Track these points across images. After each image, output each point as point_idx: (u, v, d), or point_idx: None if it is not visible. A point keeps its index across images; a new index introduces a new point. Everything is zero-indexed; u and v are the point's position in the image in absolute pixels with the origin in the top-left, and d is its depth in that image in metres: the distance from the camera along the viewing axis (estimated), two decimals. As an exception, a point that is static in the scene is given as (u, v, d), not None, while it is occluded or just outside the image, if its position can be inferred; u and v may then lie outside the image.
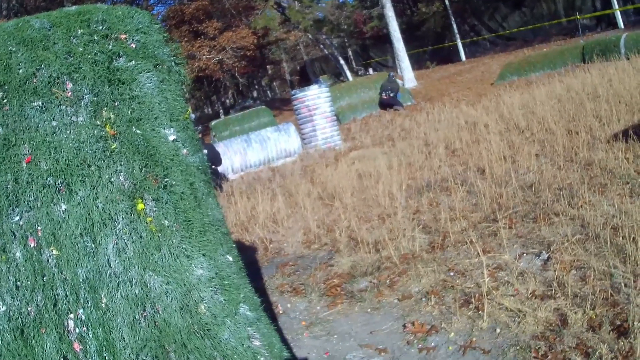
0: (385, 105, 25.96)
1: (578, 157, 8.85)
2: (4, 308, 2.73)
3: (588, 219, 6.35)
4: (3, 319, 2.71)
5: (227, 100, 59.78)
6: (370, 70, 42.68)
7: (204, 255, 2.97)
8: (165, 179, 3.01)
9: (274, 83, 73.02)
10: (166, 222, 2.94)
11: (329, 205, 10.03)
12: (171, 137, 3.14)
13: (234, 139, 19.15)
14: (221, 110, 52.71)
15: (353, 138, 19.46)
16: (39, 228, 2.83)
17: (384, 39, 46.41)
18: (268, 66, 65.75)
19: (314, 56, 63.98)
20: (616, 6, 30.84)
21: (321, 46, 52.09)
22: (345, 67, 47.39)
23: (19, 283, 2.76)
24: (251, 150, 17.79)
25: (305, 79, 56.93)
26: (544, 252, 5.97)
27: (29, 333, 2.71)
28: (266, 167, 17.29)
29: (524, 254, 6.07)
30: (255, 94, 65.46)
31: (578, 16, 32.49)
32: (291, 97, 20.89)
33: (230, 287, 2.97)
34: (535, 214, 7.03)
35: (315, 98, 19.31)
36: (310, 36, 50.80)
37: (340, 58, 48.45)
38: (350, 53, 56.07)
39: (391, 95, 25.86)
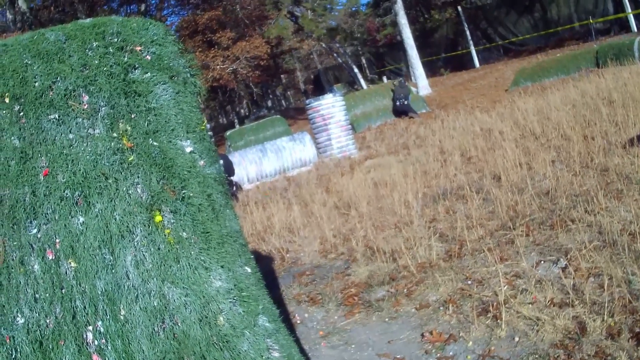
0: (400, 112, 25.95)
1: (594, 163, 8.81)
2: (22, 320, 2.74)
3: (605, 226, 6.32)
4: (22, 331, 2.73)
5: (242, 110, 59.96)
6: (384, 79, 42.64)
7: (222, 267, 2.97)
8: (183, 191, 3.02)
9: (288, 92, 73.18)
10: (184, 234, 2.95)
11: (345, 215, 10.04)
12: (188, 149, 3.15)
13: (249, 148, 19.21)
14: (236, 120, 52.91)
15: (368, 146, 19.46)
16: (57, 240, 2.85)
17: (397, 47, 46.40)
18: (282, 75, 65.90)
19: (328, 65, 64.06)
20: (629, 9, 30.73)
21: (335, 55, 52.10)
22: (359, 76, 47.37)
23: (37, 295, 2.77)
24: (267, 159, 17.82)
25: (319, 87, 57.00)
26: (561, 259, 5.94)
27: (48, 345, 2.73)
28: (282, 176, 17.31)
29: (542, 262, 6.05)
30: (269, 103, 65.59)
31: (591, 20, 32.40)
32: (306, 106, 20.92)
33: (249, 299, 2.97)
34: (552, 221, 7.00)
35: (330, 107, 19.34)
36: (323, 45, 50.84)
37: (354, 66, 48.43)
38: (363, 61, 56.06)
39: (405, 102, 25.86)
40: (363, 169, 14.35)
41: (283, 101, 71.58)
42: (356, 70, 47.82)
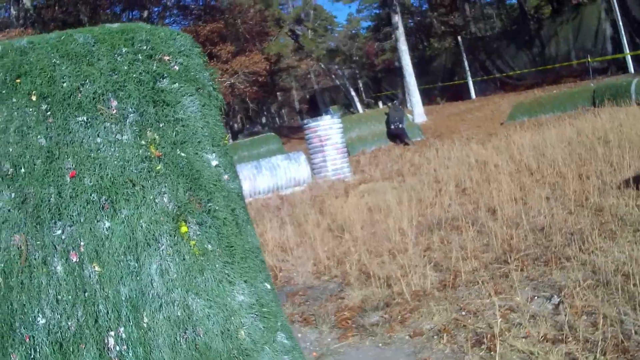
0: (394, 136, 26.03)
1: (589, 203, 8.90)
2: (43, 321, 2.76)
3: (599, 265, 6.38)
4: (42, 331, 2.74)
5: (236, 125, 59.95)
6: (380, 104, 42.76)
7: (245, 281, 3.00)
8: (209, 204, 3.05)
9: (283, 110, 73.20)
10: (209, 246, 2.98)
11: (339, 237, 10.07)
12: (214, 162, 3.19)
13: (244, 164, 19.21)
14: (229, 135, 52.87)
15: (362, 171, 19.52)
16: (82, 243, 2.86)
17: (395, 72, 46.66)
18: (278, 93, 65.90)
19: (325, 86, 64.11)
20: (627, 50, 31.00)
21: (333, 76, 52.28)
22: (355, 99, 47.51)
23: (59, 297, 2.79)
24: (261, 176, 17.84)
25: (314, 108, 57.06)
26: (555, 296, 6.00)
27: (68, 347, 2.74)
28: (275, 194, 17.32)
29: (536, 297, 6.10)
30: (263, 120, 65.63)
31: (589, 59, 32.65)
32: (303, 126, 21.05)
33: (269, 315, 3.00)
34: (547, 258, 7.07)
35: (328, 128, 19.45)
36: (322, 65, 51.03)
37: (351, 89, 48.60)
38: (360, 84, 56.23)
39: (400, 126, 25.93)
40: (357, 192, 14.38)
41: (277, 119, 71.64)
42: (353, 93, 48.02)
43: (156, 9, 43.63)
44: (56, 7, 37.90)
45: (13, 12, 34.97)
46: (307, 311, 7.26)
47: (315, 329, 6.68)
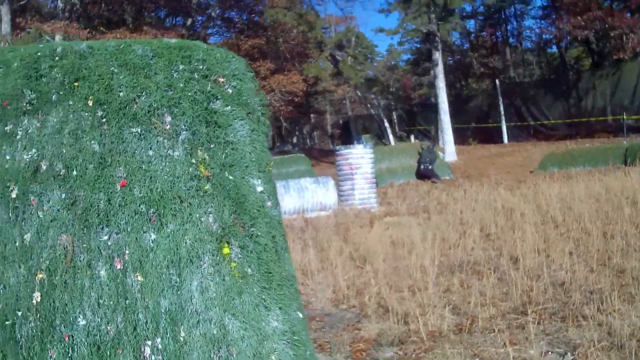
0: (423, 176, 26.14)
1: (611, 262, 8.89)
2: (84, 322, 2.83)
3: (615, 327, 6.39)
4: (82, 332, 2.82)
5: (267, 142, 60.14)
6: (412, 138, 42.79)
7: (280, 308, 3.06)
8: (252, 229, 3.12)
9: (315, 132, 73.36)
10: (249, 270, 3.05)
11: (360, 268, 10.12)
12: (259, 188, 3.27)
13: (272, 182, 19.33)
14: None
15: (389, 203, 19.55)
16: (127, 252, 2.94)
17: (430, 108, 46.69)
18: (312, 115, 66.08)
19: (359, 113, 64.22)
20: (663, 111, 31.01)
21: (368, 105, 52.40)
22: (388, 130, 47.55)
23: (100, 301, 2.86)
24: (288, 197, 17.91)
25: (346, 134, 57.09)
26: (569, 353, 6.02)
27: (106, 351, 2.81)
28: (300, 216, 17.39)
29: (550, 352, 6.11)
30: (295, 139, 65.80)
31: (625, 116, 32.60)
32: (335, 151, 21.15)
33: (299, 343, 3.05)
34: (564, 314, 7.08)
35: (359, 157, 19.53)
36: (358, 93, 51.20)
37: (384, 120, 48.67)
38: (394, 116, 56.28)
39: (429, 167, 26.11)
40: (382, 224, 14.39)
41: (308, 140, 71.80)
42: (387, 124, 48.07)
43: (200, 18, 44.05)
44: (102, 5, 38.35)
45: (60, 4, 35.40)
46: (323, 338, 7.30)
47: (329, 357, 6.72)
